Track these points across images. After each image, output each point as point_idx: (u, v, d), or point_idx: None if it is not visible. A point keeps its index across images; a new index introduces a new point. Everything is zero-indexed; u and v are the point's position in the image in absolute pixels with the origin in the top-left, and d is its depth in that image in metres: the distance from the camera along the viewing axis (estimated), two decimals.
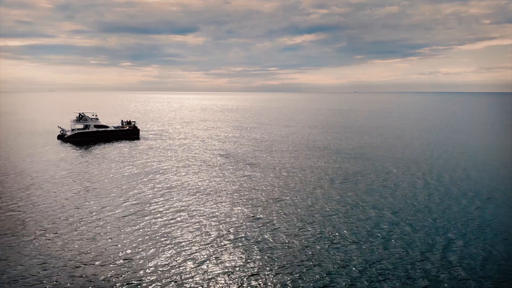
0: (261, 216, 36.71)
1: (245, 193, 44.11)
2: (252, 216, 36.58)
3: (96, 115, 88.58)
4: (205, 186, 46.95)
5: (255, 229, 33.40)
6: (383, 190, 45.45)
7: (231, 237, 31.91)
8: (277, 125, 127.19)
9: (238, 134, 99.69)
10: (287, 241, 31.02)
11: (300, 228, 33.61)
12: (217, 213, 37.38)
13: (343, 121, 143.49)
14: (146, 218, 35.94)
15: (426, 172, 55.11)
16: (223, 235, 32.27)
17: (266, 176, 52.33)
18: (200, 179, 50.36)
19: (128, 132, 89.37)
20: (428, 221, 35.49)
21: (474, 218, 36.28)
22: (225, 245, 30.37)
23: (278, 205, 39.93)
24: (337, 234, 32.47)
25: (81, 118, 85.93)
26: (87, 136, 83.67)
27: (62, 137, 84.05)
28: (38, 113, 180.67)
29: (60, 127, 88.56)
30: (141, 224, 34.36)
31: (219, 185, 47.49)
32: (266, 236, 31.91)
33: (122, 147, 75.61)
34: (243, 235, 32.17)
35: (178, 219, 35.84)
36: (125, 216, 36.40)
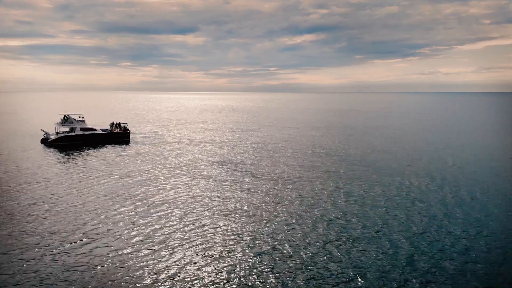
0: (257, 244, 30.60)
1: (241, 213, 37.97)
2: (247, 246, 30.45)
3: (82, 117, 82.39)
4: (195, 204, 40.69)
5: (249, 262, 27.38)
6: (399, 211, 39.25)
7: (220, 274, 25.90)
8: (278, 126, 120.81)
9: (237, 137, 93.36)
10: (285, 283, 25.05)
11: (302, 269, 27.57)
12: (205, 239, 31.24)
13: (346, 122, 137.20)
14: (116, 243, 29.88)
15: (443, 185, 48.85)
16: (211, 271, 26.29)
17: (265, 190, 46.16)
18: (189, 194, 44.09)
19: (117, 136, 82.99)
20: (459, 259, 28.91)
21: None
22: (212, 283, 24.38)
23: (276, 230, 33.79)
24: (348, 276, 26.50)
25: (66, 120, 79.67)
26: (73, 140, 77.54)
27: (45, 141, 77.95)
28: (36, 114, 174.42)
29: (43, 130, 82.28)
30: (106, 257, 28.25)
31: (211, 202, 41.29)
32: (260, 277, 25.91)
33: (108, 153, 69.33)
34: (235, 269, 26.19)
35: (156, 248, 29.62)
36: (87, 243, 30.31)
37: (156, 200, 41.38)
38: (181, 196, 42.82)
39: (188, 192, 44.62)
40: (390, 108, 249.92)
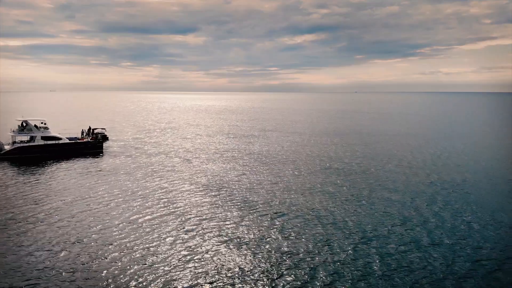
0: None
1: (230, 275, 24.08)
2: None
3: (45, 123, 68.14)
4: (163, 259, 26.70)
5: None
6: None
7: None
8: (280, 131, 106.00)
9: (233, 147, 78.39)
10: None
11: None
12: None
13: (352, 125, 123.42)
14: None
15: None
16: None
17: (266, 234, 31.76)
18: (158, 242, 29.94)
19: (88, 146, 68.81)
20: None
21: None
22: None
23: None
24: None
25: (24, 127, 65.53)
26: (31, 151, 63.50)
27: None
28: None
29: None
30: None
31: (188, 256, 27.19)
32: None
33: (70, 170, 55.24)
34: None
35: None
36: None
37: (107, 245, 27.53)
38: (142, 245, 28.76)
39: (152, 241, 30.35)
40: (392, 109, 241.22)
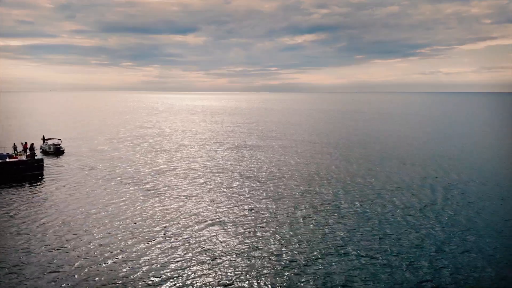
0: None
1: None
2: None
3: None
4: None
5: None
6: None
7: None
8: (283, 139, 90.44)
9: (223, 165, 59.34)
10: None
11: None
12: None
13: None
14: None
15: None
16: None
17: None
18: None
19: (21, 167, 49.93)
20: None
21: None
22: None
23: None
24: None
25: None
26: None
27: None
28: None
29: None
30: None
31: None
32: None
33: None
34: None
35: None
36: None
37: None
38: None
39: None
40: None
